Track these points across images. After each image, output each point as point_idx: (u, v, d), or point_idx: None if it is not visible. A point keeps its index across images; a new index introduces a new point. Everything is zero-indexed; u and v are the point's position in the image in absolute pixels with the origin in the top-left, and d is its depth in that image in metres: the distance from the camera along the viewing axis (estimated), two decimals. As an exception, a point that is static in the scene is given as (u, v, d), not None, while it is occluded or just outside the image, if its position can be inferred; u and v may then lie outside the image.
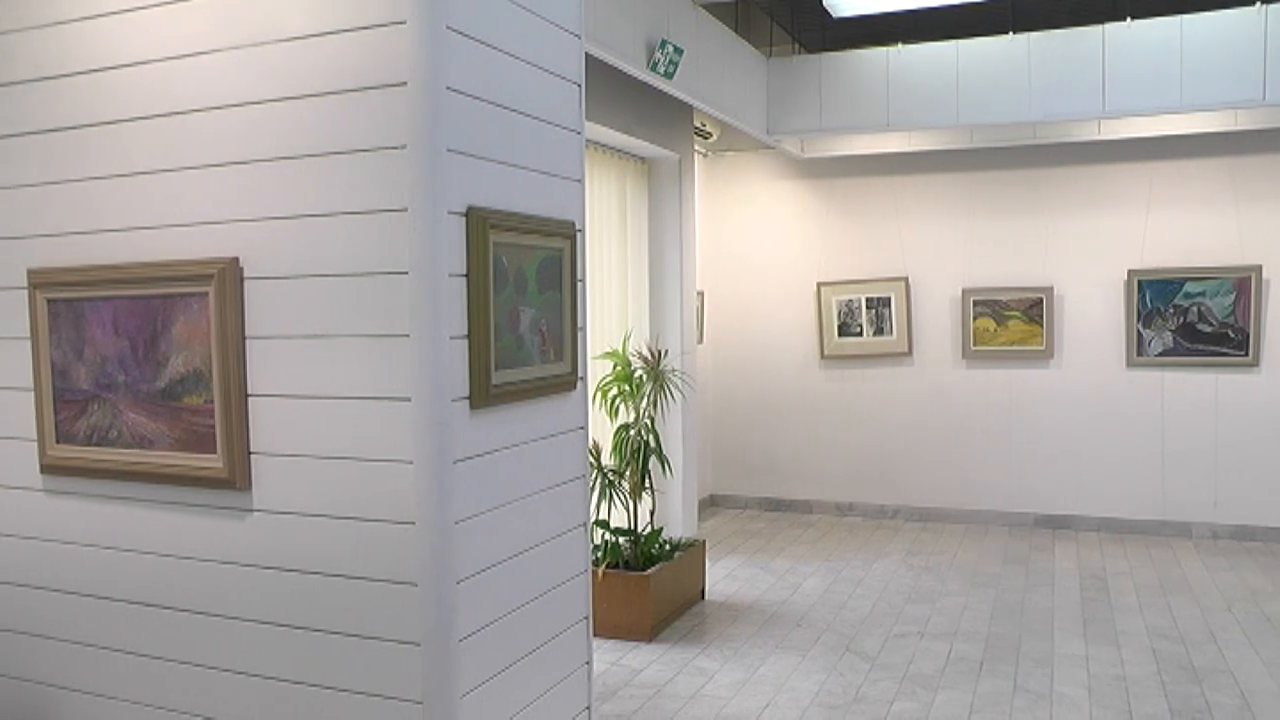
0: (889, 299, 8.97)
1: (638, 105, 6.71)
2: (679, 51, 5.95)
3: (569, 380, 3.03)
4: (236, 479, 2.70)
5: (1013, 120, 7.45)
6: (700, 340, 8.80)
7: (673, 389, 6.43)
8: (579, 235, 3.06)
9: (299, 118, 2.58)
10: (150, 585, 2.87)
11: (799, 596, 6.71)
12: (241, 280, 2.68)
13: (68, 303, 2.90)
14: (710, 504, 9.51)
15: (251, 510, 2.72)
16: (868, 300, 9.02)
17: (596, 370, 6.26)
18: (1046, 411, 8.66)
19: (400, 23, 2.45)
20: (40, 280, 2.94)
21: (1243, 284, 8.06)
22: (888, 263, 9.01)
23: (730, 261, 9.44)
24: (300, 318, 2.62)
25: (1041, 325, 8.58)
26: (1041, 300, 8.56)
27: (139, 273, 2.78)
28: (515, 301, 2.74)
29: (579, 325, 3.08)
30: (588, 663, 3.22)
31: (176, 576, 2.83)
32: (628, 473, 6.09)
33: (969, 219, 8.80)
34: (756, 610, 6.44)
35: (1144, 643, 5.81)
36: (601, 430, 6.25)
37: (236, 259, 2.67)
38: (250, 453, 2.70)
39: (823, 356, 9.20)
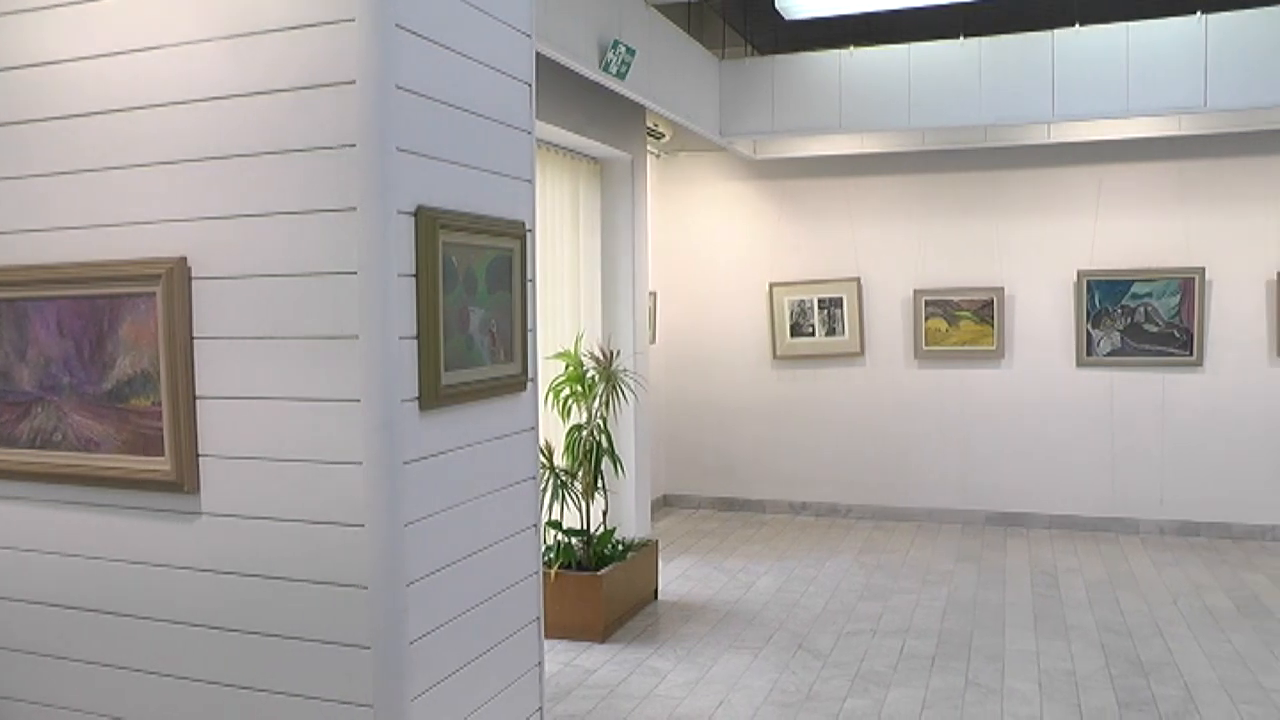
0: (841, 299, 9.02)
1: (590, 105, 6.71)
2: (631, 52, 5.96)
3: (519, 381, 3.02)
4: (185, 482, 2.67)
5: (963, 123, 7.53)
6: (653, 340, 8.80)
7: (625, 389, 6.43)
8: (529, 235, 3.05)
9: (247, 115, 2.56)
10: (97, 591, 2.83)
11: (752, 595, 6.74)
12: (189, 280, 2.64)
13: (10, 303, 2.85)
14: (663, 504, 9.52)
15: (200, 513, 2.69)
16: (820, 301, 9.07)
17: (549, 371, 6.24)
18: (998, 411, 8.75)
19: (349, 20, 2.43)
20: (-19, 280, 2.89)
21: (1187, 285, 8.20)
22: (840, 263, 9.07)
23: (683, 262, 9.46)
24: (249, 318, 2.59)
25: (993, 325, 8.67)
26: (992, 301, 8.66)
27: (84, 272, 2.74)
28: (465, 302, 2.73)
29: (529, 326, 3.07)
30: (539, 664, 3.21)
31: (124, 582, 2.79)
32: (580, 473, 6.08)
33: (921, 220, 8.88)
34: (709, 610, 6.45)
35: (1093, 637, 5.89)
36: (554, 431, 6.25)
37: (184, 259, 2.64)
38: (198, 455, 2.67)
39: (775, 357, 9.24)
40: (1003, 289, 8.66)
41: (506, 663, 3.02)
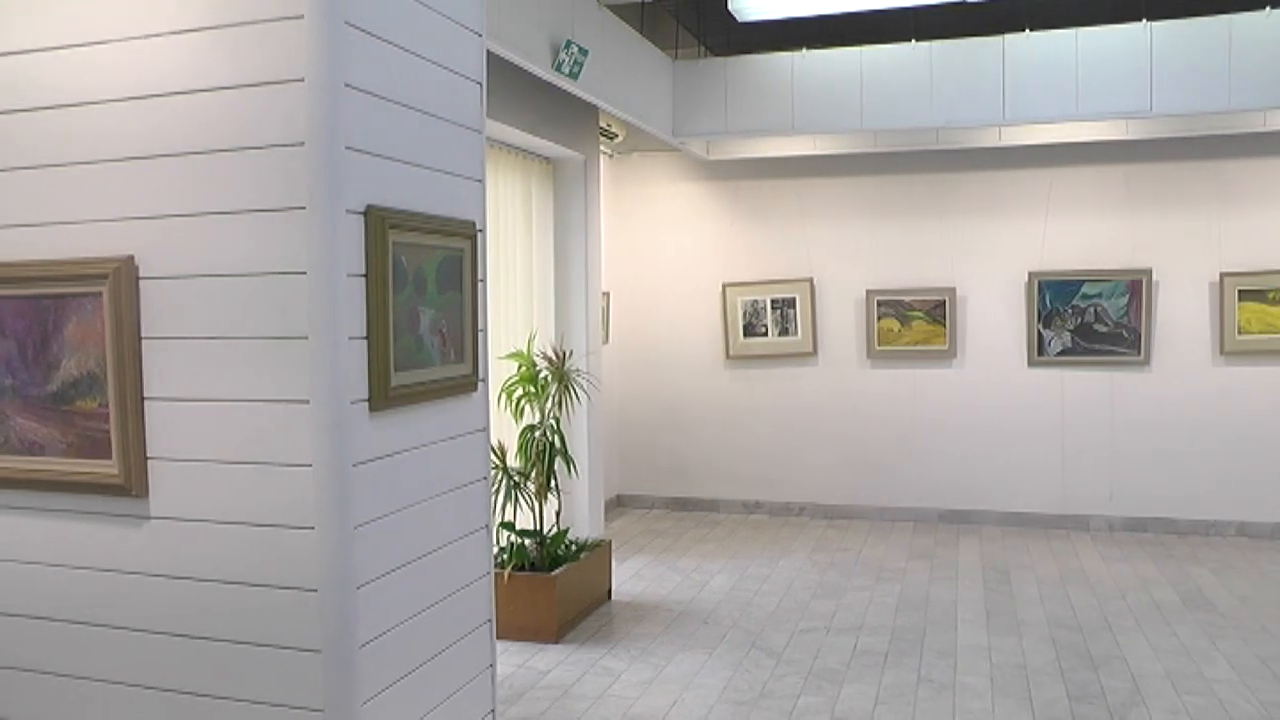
0: (794, 299, 9.06)
1: (543, 105, 6.69)
2: (584, 52, 5.95)
3: (470, 381, 3.01)
4: (132, 485, 2.63)
5: (915, 126, 7.60)
6: (606, 341, 8.80)
7: (578, 390, 6.43)
8: (480, 235, 3.04)
9: (195, 113, 2.53)
10: (43, 597, 2.78)
11: (706, 595, 6.75)
12: (137, 280, 2.61)
13: (-51, 304, 2.80)
14: (617, 504, 9.52)
15: (148, 517, 2.65)
16: (773, 301, 9.10)
17: (502, 371, 6.22)
18: (950, 410, 8.83)
19: (298, 17, 2.41)
20: (-80, 280, 2.83)
21: (1135, 286, 8.32)
22: (793, 264, 9.11)
23: (636, 262, 9.47)
24: (197, 318, 2.57)
25: (945, 325, 8.75)
26: (944, 301, 8.73)
27: (28, 271, 2.69)
28: (415, 302, 2.71)
29: (480, 326, 3.06)
30: (492, 666, 3.20)
31: (70, 588, 2.75)
32: (533, 474, 6.07)
33: (873, 221, 8.94)
34: (663, 609, 6.46)
35: (1044, 632, 5.96)
36: (507, 431, 6.23)
37: (132, 258, 2.60)
38: (147, 458, 2.64)
39: (728, 356, 9.26)
40: (955, 289, 8.74)
41: (458, 665, 3.00)
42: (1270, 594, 6.66)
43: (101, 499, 2.69)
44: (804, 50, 7.74)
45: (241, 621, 2.57)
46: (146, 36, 2.56)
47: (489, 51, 4.76)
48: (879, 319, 8.88)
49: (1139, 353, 8.36)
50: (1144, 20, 7.04)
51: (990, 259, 8.69)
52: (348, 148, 2.47)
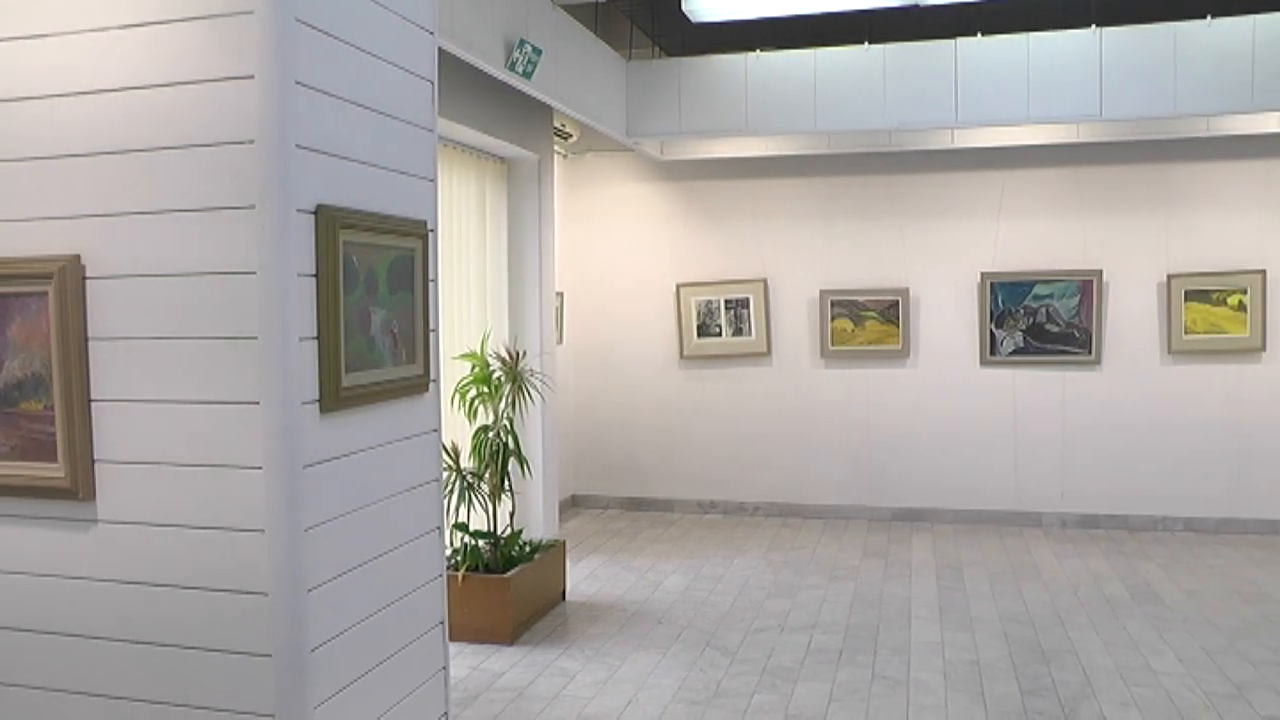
0: (748, 300, 9.09)
1: (497, 105, 6.66)
2: (538, 51, 5.93)
3: (421, 382, 2.99)
4: (79, 489, 2.59)
5: (868, 127, 7.65)
6: (560, 341, 8.78)
7: (532, 390, 6.41)
8: (431, 235, 3.03)
9: (142, 109, 2.49)
10: (-18, 601, 2.73)
11: (660, 594, 6.76)
12: (83, 279, 2.56)
13: (-112, 304, 2.74)
14: (572, 504, 9.51)
15: (96, 521, 2.61)
16: (727, 301, 9.13)
17: (455, 371, 6.19)
18: (903, 409, 8.90)
19: (248, 13, 2.38)
20: None
21: (1086, 287, 8.43)
22: (746, 264, 9.14)
23: (590, 262, 9.46)
24: (145, 319, 2.53)
25: (898, 325, 8.81)
26: (898, 301, 8.79)
27: (-32, 271, 2.64)
28: (366, 302, 2.69)
29: (431, 326, 3.04)
30: (444, 668, 3.18)
31: (16, 593, 2.69)
32: (487, 475, 6.05)
33: (827, 222, 8.99)
34: (618, 609, 6.46)
35: (997, 628, 6.03)
36: (461, 432, 6.20)
37: (78, 256, 2.56)
38: (94, 461, 2.59)
39: (682, 357, 9.28)
40: (908, 290, 8.81)
41: (411, 668, 2.98)
42: (1215, 587, 6.78)
43: (47, 503, 2.64)
44: (758, 52, 7.77)
45: (191, 626, 2.54)
46: (92, 30, 2.52)
47: (442, 50, 4.75)
48: (833, 319, 8.93)
49: (1090, 352, 8.47)
50: (1094, 26, 7.14)
51: (943, 260, 8.77)
52: (298, 146, 2.44)
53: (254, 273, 2.41)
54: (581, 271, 9.44)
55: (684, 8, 6.63)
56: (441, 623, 3.17)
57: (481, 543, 6.02)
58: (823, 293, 8.94)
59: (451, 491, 5.77)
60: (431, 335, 3.04)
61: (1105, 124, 7.88)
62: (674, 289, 9.25)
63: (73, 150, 2.56)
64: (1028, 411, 8.67)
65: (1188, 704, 4.88)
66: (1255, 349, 8.26)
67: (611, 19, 8.10)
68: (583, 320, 9.46)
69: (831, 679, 5.27)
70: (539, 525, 7.48)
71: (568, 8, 6.77)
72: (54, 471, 2.60)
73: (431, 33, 3.05)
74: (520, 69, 5.84)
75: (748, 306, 9.10)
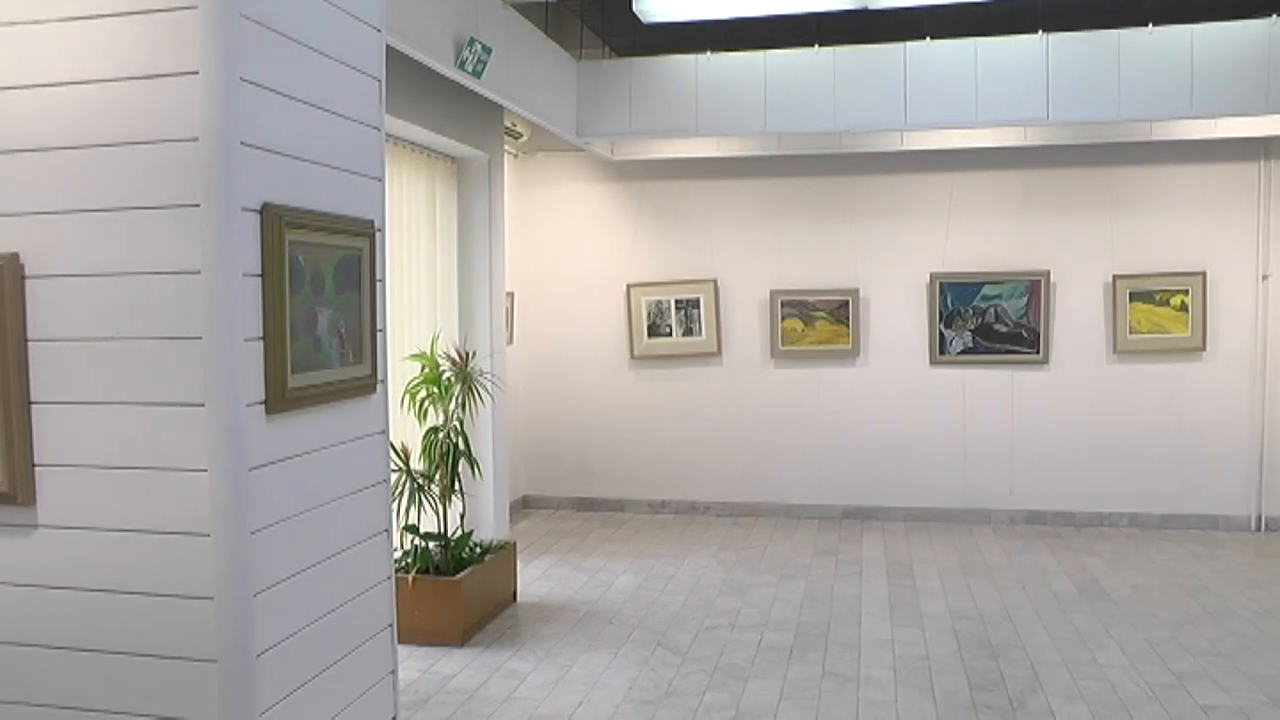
0: (698, 300, 9.10)
1: (447, 103, 6.63)
2: (488, 50, 5.90)
3: (369, 383, 2.97)
4: (19, 494, 2.53)
5: (818, 129, 7.70)
6: (510, 341, 8.74)
7: (482, 390, 6.38)
8: (379, 234, 3.00)
9: (84, 104, 2.45)
10: (-84, 607, 2.67)
11: (611, 595, 6.75)
12: (22, 279, 2.51)
13: None
14: (523, 505, 9.47)
15: (36, 526, 2.56)
16: (677, 301, 9.14)
17: (405, 372, 6.15)
18: (853, 408, 8.95)
19: (192, 7, 2.35)
20: None
21: (1034, 287, 8.53)
22: (697, 264, 9.15)
23: (541, 262, 9.43)
24: (86, 319, 2.48)
25: (848, 325, 8.86)
26: (848, 302, 8.85)
27: (-100, 271, 2.58)
28: (312, 302, 2.66)
29: (379, 326, 3.01)
30: (393, 671, 3.15)
31: (-53, 597, 2.64)
32: (437, 476, 6.01)
33: (777, 223, 9.02)
34: (569, 610, 6.44)
35: (946, 624, 6.09)
36: (411, 433, 6.15)
37: (16, 255, 2.51)
38: (33, 465, 2.54)
39: (633, 357, 9.27)
40: (858, 290, 8.86)
41: (359, 671, 2.95)
42: (1158, 581, 6.89)
43: (-15, 508, 2.59)
44: (708, 53, 7.79)
45: (135, 632, 2.49)
46: (30, 23, 2.47)
47: (391, 48, 4.72)
48: (783, 319, 8.97)
49: (1038, 352, 8.57)
50: (1040, 32, 7.23)
51: (893, 260, 8.84)
52: (243, 144, 2.41)
53: (198, 272, 2.38)
54: (532, 271, 9.41)
55: (635, 8, 6.63)
56: (390, 625, 3.14)
57: (432, 544, 5.98)
58: (773, 293, 8.97)
59: (401, 493, 5.72)
60: (379, 335, 3.02)
61: (1052, 127, 8.01)
62: (624, 289, 9.25)
63: (10, 146, 2.51)
64: (977, 410, 8.76)
65: (1131, 695, 4.96)
66: (1196, 348, 8.40)
67: (562, 19, 8.09)
68: (533, 320, 9.43)
69: (783, 676, 5.29)
70: (490, 526, 7.45)
71: (518, 7, 6.74)
72: (-8, 475, 2.55)
73: (379, 30, 3.03)
74: (470, 68, 5.81)
75: (698, 306, 9.11)
